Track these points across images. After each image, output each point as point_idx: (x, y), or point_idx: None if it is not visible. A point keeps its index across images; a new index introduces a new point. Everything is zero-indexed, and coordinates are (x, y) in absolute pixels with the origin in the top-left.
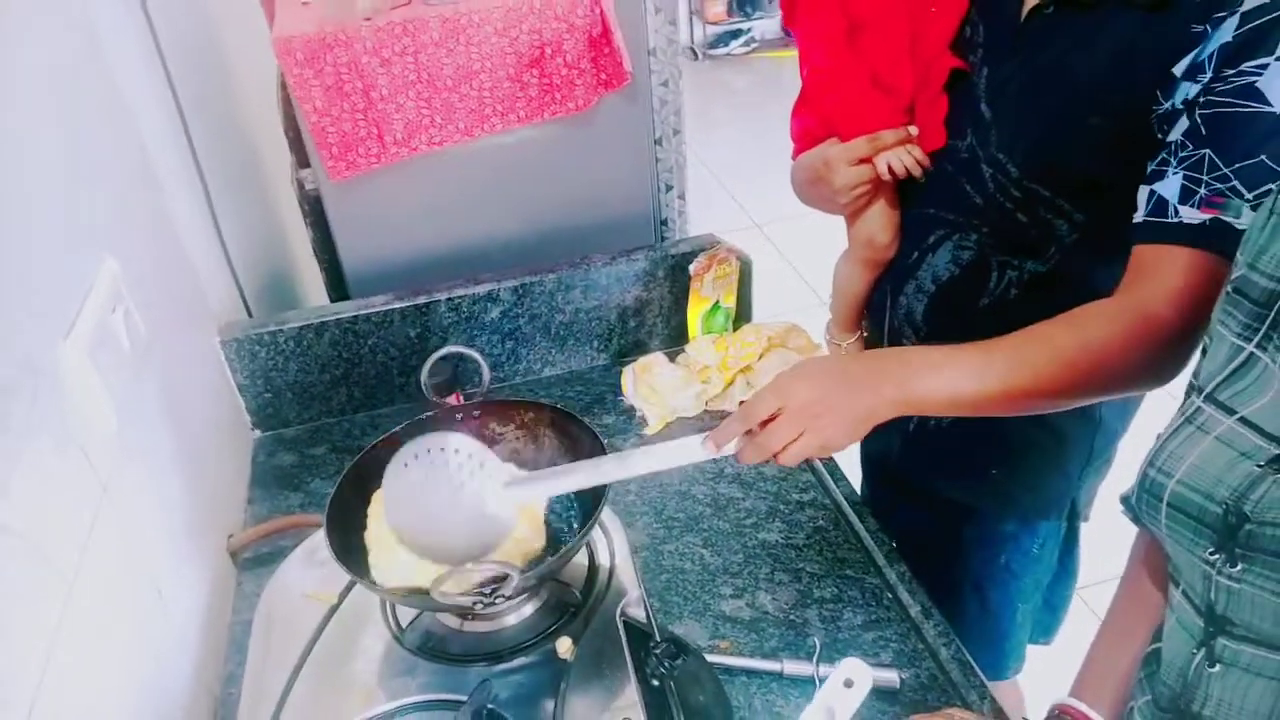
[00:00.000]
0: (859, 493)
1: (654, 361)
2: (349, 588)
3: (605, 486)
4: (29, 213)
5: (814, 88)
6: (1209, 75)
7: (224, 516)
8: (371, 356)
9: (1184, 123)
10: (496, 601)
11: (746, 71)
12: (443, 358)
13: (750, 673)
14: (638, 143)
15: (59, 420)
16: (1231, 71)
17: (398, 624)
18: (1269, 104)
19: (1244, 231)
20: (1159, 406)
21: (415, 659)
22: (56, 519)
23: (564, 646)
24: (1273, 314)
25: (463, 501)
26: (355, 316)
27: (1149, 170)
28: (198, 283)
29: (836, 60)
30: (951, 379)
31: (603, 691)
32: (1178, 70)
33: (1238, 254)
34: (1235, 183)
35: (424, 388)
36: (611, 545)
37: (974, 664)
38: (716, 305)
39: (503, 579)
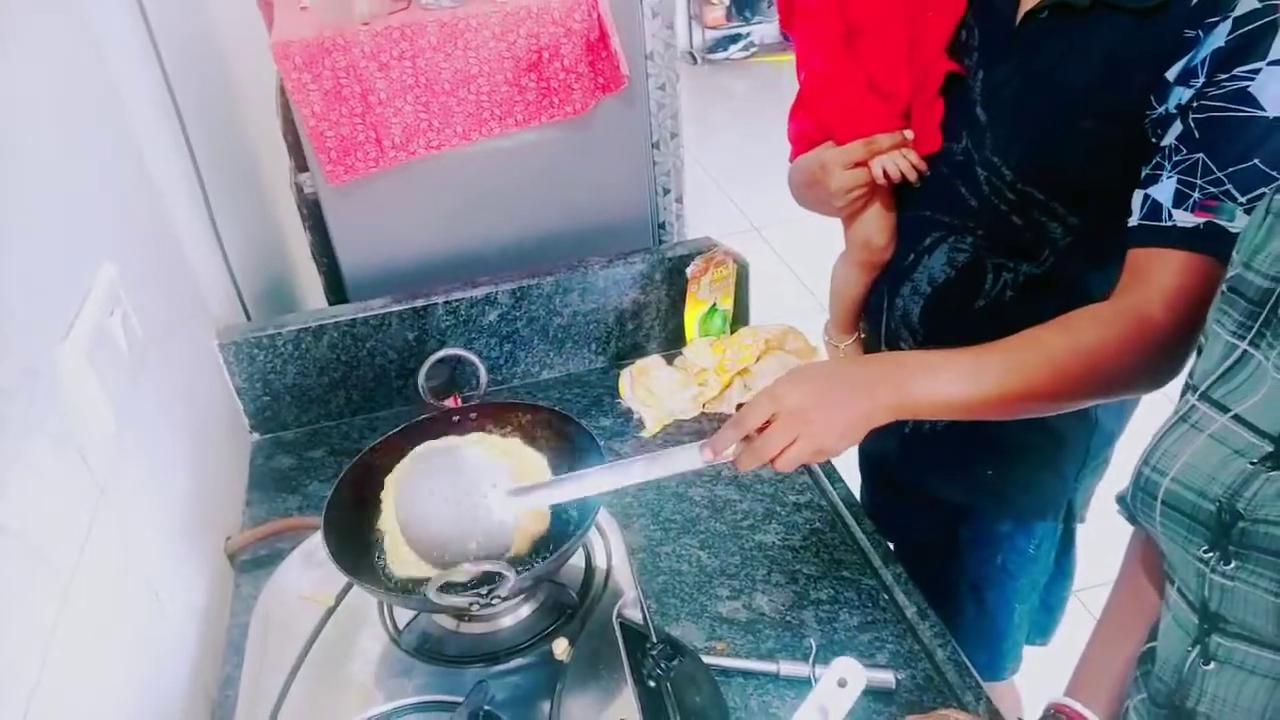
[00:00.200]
0: (858, 495)
1: (651, 364)
2: (346, 589)
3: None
4: (27, 216)
5: (811, 91)
6: (1202, 80)
7: (222, 519)
8: (369, 359)
9: (1178, 127)
10: (493, 603)
11: (745, 76)
12: (440, 360)
13: (747, 674)
14: (635, 146)
15: (57, 422)
16: (1224, 76)
17: (395, 625)
18: (1262, 108)
19: (1237, 235)
20: (1155, 408)
21: (412, 660)
22: (53, 520)
23: (560, 648)
24: (1266, 312)
25: (470, 514)
26: (353, 320)
27: (1143, 174)
28: (196, 286)
29: (834, 64)
30: (946, 383)
31: (599, 693)
32: (1171, 75)
33: (1234, 253)
34: (1229, 186)
35: (422, 390)
36: (608, 547)
37: (969, 665)
38: (714, 308)
39: (499, 579)
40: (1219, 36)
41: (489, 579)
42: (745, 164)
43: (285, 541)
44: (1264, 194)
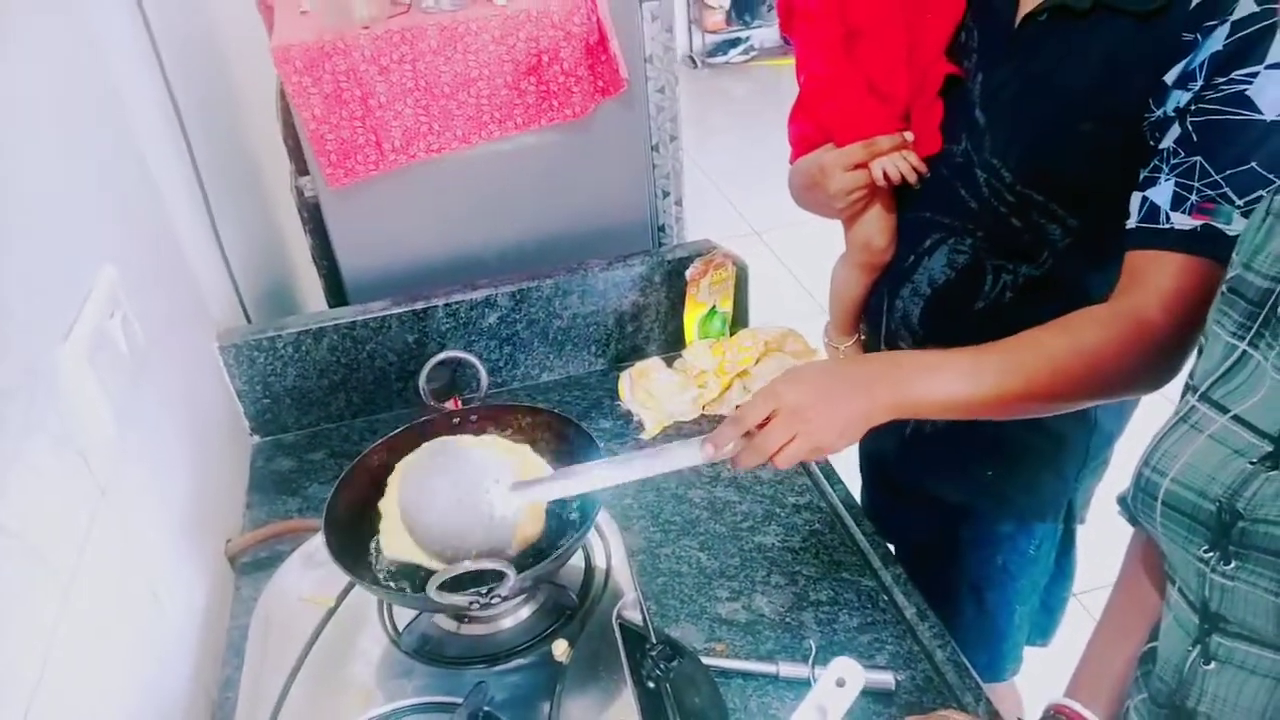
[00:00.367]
0: (857, 496)
1: (651, 366)
2: (346, 591)
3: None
4: (28, 218)
5: (811, 94)
6: (1200, 83)
7: (222, 521)
8: (370, 362)
9: (1175, 130)
10: (493, 603)
11: (745, 79)
12: (441, 363)
13: (746, 675)
14: (635, 149)
15: (57, 423)
16: (1222, 80)
17: (394, 627)
18: (1259, 112)
19: (1235, 238)
20: (1155, 409)
21: (412, 661)
22: (53, 521)
23: (560, 649)
24: (1265, 312)
25: (472, 510)
26: (353, 322)
27: (1141, 177)
28: (197, 289)
29: (833, 67)
30: (945, 382)
31: (599, 694)
32: (1169, 78)
33: (1234, 254)
34: (1226, 189)
35: (422, 393)
36: (608, 548)
37: (969, 665)
38: (713, 310)
39: (499, 579)
40: (1217, 40)
41: (488, 578)
42: (745, 167)
43: (285, 543)
44: (1261, 196)
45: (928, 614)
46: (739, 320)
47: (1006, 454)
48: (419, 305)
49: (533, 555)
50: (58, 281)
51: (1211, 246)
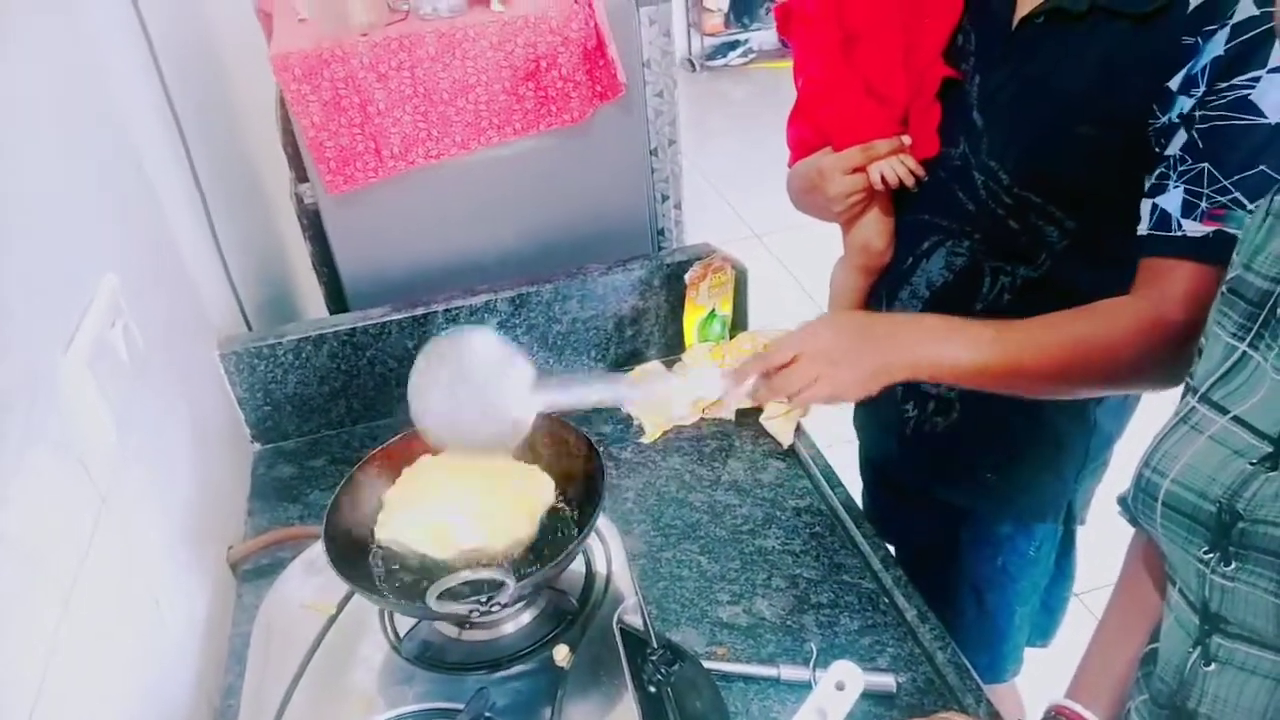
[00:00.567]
0: (857, 499)
1: (651, 370)
2: (347, 598)
3: (600, 495)
4: (28, 226)
5: (809, 98)
6: (1203, 89)
7: (224, 528)
8: (370, 368)
9: (1182, 136)
10: (493, 610)
11: (744, 82)
12: None
13: (747, 679)
14: (633, 153)
15: (58, 431)
16: (1224, 85)
17: (396, 633)
18: (1263, 115)
19: None
20: (1155, 410)
21: (413, 668)
22: (55, 528)
23: (561, 654)
24: (1265, 313)
25: (489, 396)
26: (353, 329)
27: (1149, 184)
28: (197, 296)
29: (831, 71)
30: (963, 347)
31: (600, 699)
32: (1173, 84)
33: (1234, 255)
34: (1236, 194)
35: None
36: (608, 552)
37: (970, 667)
38: (712, 313)
39: (499, 588)
40: (1218, 44)
41: (488, 586)
42: (744, 170)
43: (287, 550)
44: None
45: (928, 616)
46: (738, 323)
47: (1006, 455)
48: (419, 311)
49: (532, 561)
50: (58, 288)
51: (1224, 253)
